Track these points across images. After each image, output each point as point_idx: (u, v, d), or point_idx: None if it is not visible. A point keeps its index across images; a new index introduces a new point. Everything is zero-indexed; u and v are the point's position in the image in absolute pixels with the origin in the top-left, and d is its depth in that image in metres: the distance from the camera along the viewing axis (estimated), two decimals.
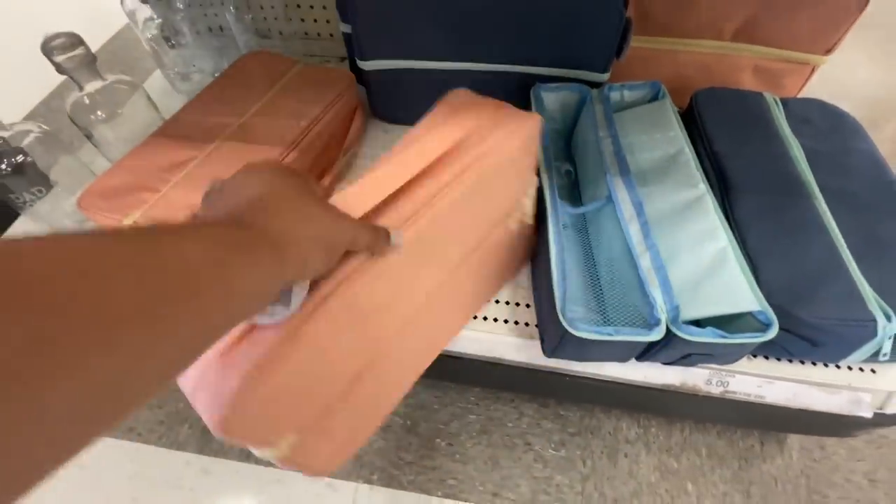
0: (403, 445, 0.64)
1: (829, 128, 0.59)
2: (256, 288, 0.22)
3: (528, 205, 0.50)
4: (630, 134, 0.56)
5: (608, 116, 0.57)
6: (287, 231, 0.24)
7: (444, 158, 0.38)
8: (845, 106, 0.62)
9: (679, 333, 0.41)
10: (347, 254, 0.31)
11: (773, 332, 0.41)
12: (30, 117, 1.15)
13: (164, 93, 0.80)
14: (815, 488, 0.61)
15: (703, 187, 0.50)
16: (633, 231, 0.47)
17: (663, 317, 0.42)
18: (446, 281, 0.42)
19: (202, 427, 0.67)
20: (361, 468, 0.63)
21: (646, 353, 0.46)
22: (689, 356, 0.46)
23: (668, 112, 0.58)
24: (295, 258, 0.25)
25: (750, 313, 0.43)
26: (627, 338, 0.42)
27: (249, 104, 0.61)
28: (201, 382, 0.29)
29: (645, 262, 0.45)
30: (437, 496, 0.60)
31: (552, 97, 0.62)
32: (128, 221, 0.52)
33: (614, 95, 0.61)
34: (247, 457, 0.65)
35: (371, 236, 0.31)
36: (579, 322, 0.42)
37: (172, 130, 0.60)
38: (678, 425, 0.65)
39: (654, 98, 0.61)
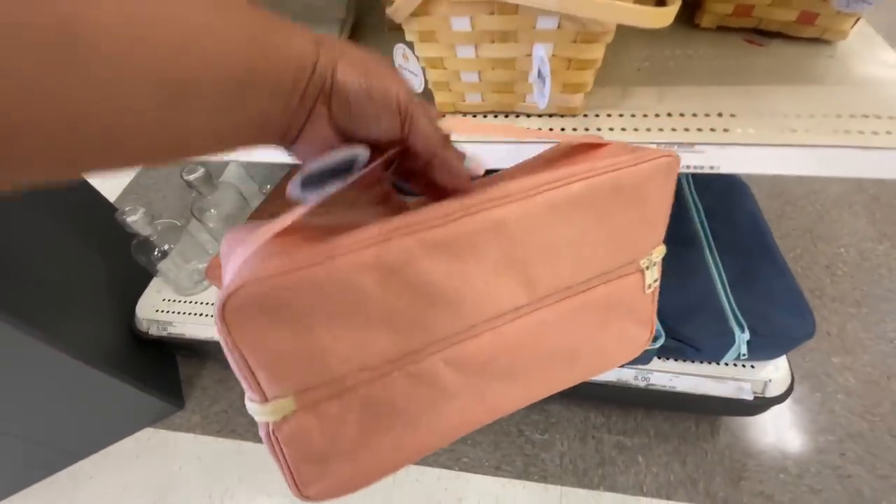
0: None
1: (722, 190, 0.82)
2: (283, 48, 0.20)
3: (654, 268, 0.38)
4: None
5: None
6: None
7: (563, 160, 0.33)
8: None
9: None
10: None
11: (660, 342, 0.64)
12: (126, 192, 1.46)
13: (241, 180, 1.08)
14: (736, 458, 0.82)
15: None
16: None
17: None
18: (524, 308, 0.30)
19: None
20: None
21: None
22: None
23: None
24: (330, 47, 0.22)
25: None
26: None
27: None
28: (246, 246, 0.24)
29: None
30: (455, 470, 0.83)
31: None
32: None
33: None
34: None
35: (424, 112, 0.24)
36: None
37: (264, 213, 0.86)
38: (633, 414, 0.87)
39: None
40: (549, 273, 0.30)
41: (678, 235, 0.76)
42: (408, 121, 0.24)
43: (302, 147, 0.23)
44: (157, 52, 0.16)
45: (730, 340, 0.65)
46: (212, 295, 0.91)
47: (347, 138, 0.24)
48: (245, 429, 0.93)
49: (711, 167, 0.48)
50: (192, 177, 0.80)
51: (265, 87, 0.20)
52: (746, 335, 0.65)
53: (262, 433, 0.27)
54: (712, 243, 0.74)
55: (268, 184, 1.06)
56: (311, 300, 0.23)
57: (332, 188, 0.23)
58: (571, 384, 0.38)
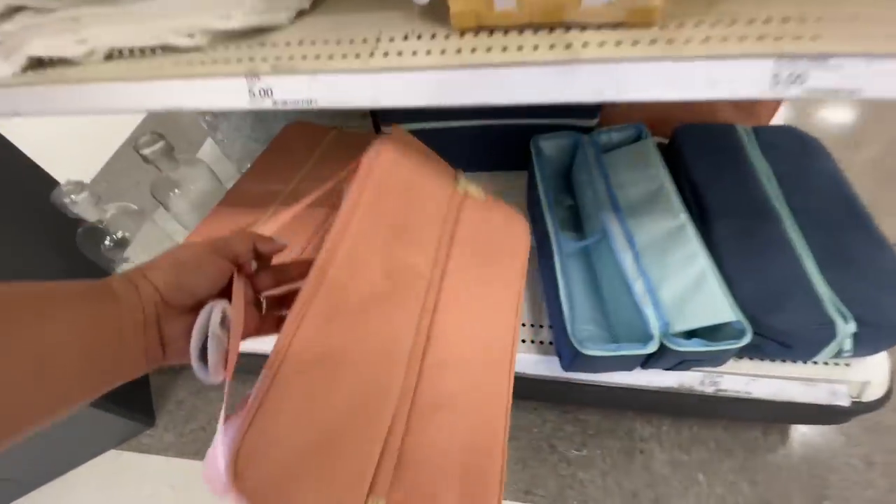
0: None
1: (795, 151, 0.67)
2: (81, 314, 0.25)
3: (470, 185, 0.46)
4: (618, 173, 0.66)
5: (598, 158, 0.67)
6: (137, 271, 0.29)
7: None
8: (818, 129, 0.71)
9: (669, 345, 0.50)
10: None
11: (746, 339, 0.50)
12: (98, 179, 1.31)
13: (217, 160, 0.93)
14: (816, 473, 0.68)
15: (683, 217, 0.59)
16: (627, 260, 0.56)
17: (656, 332, 0.51)
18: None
19: None
20: None
21: (647, 362, 0.55)
22: (683, 362, 0.55)
23: (651, 151, 0.67)
24: (140, 276, 0.28)
25: (729, 323, 0.52)
26: (628, 352, 0.51)
27: (295, 172, 0.73)
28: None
29: (639, 286, 0.54)
30: None
31: (549, 144, 0.72)
32: None
33: (602, 138, 0.71)
34: None
35: (230, 240, 0.32)
36: (588, 342, 0.51)
37: (234, 199, 0.72)
38: (687, 423, 0.73)
39: (639, 138, 0.71)
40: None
41: (748, 206, 0.61)
42: (231, 260, 0.32)
43: (174, 348, 0.30)
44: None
45: (829, 333, 0.51)
46: None
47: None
48: None
49: (851, 91, 0.33)
50: (148, 150, 0.66)
51: (117, 358, 0.27)
52: (852, 326, 0.50)
53: None
54: (794, 215, 0.60)
55: (247, 162, 0.91)
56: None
57: (222, 340, 0.29)
58: None
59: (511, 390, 0.39)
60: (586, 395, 0.67)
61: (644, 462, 0.70)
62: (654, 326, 0.51)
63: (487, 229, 0.45)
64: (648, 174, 0.64)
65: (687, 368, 0.56)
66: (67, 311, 0.24)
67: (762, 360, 0.58)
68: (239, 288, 0.30)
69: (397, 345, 0.35)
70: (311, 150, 0.76)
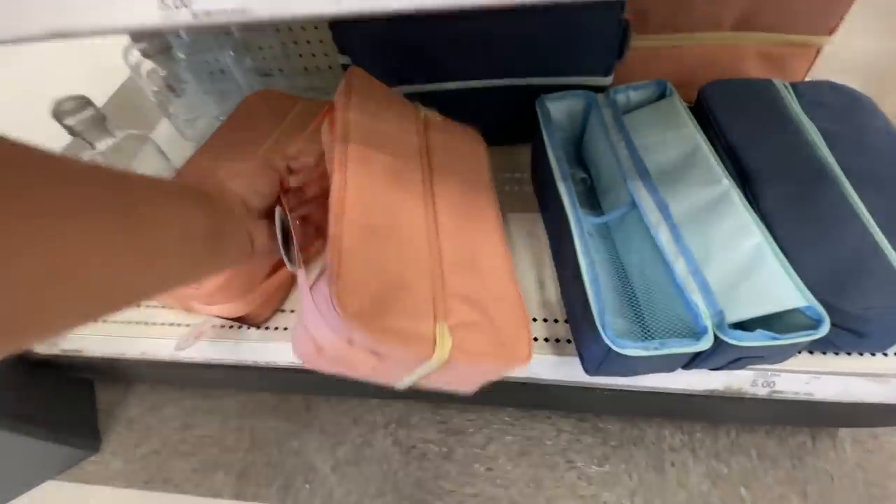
0: (442, 474, 0.63)
1: (843, 108, 0.58)
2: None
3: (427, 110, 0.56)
4: (642, 135, 0.55)
5: (618, 120, 0.56)
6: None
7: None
8: (852, 83, 0.61)
9: (728, 340, 0.40)
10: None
11: (825, 329, 0.40)
12: None
13: (172, 141, 0.81)
14: (873, 481, 0.58)
15: (726, 183, 0.48)
16: (663, 235, 0.46)
17: (709, 324, 0.41)
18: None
19: (237, 471, 0.67)
20: (402, 501, 0.61)
21: (692, 361, 0.44)
22: (739, 360, 0.44)
23: (679, 109, 0.57)
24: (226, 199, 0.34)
25: (797, 310, 0.41)
26: (675, 350, 0.40)
27: (257, 146, 0.61)
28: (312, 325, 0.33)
29: (680, 267, 0.44)
30: None
31: (558, 106, 0.61)
32: None
33: (620, 98, 0.61)
34: (282, 499, 0.64)
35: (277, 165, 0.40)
36: (622, 339, 0.41)
37: (185, 178, 0.60)
38: (724, 428, 0.63)
39: (661, 97, 0.61)
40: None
41: (799, 169, 0.51)
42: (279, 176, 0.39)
43: (258, 243, 0.36)
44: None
45: None
46: None
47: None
48: (184, 476, 0.67)
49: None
50: (73, 119, 0.54)
51: (236, 240, 0.34)
52: None
53: None
54: (849, 179, 0.50)
55: None
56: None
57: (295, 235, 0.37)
58: None
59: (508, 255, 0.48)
60: (608, 402, 0.57)
61: (677, 476, 0.60)
62: (706, 316, 0.41)
63: (451, 139, 0.54)
64: (679, 135, 0.54)
65: (741, 367, 0.46)
66: (195, 198, 0.30)
67: (824, 353, 0.48)
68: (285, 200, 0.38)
69: (417, 221, 0.42)
70: (276, 122, 0.64)
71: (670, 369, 0.46)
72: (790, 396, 0.49)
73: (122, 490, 0.67)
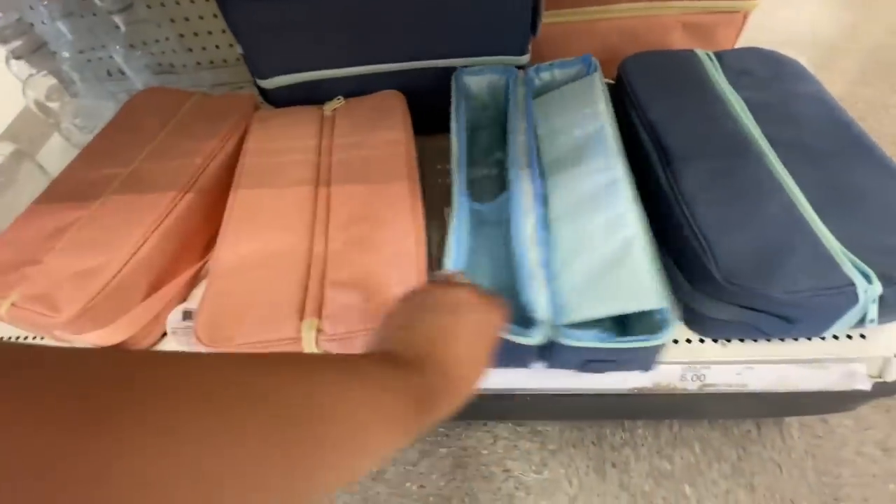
0: (371, 497, 0.58)
1: (770, 76, 0.54)
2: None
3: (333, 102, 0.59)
4: (553, 116, 0.51)
5: (526, 100, 0.52)
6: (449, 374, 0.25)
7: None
8: (792, 51, 0.58)
9: (559, 338, 0.37)
10: None
11: (664, 336, 0.36)
12: None
13: (65, 153, 0.73)
14: (824, 469, 0.55)
15: (619, 170, 0.44)
16: (526, 225, 0.42)
17: (544, 318, 0.37)
18: None
19: None
20: None
21: (545, 358, 0.41)
22: (591, 362, 0.40)
23: (595, 87, 0.52)
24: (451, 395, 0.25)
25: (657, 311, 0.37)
26: (510, 338, 0.37)
27: (139, 149, 0.55)
28: None
29: (532, 258, 0.41)
30: None
31: (477, 81, 0.57)
32: (6, 304, 0.46)
33: (544, 76, 0.56)
34: None
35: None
36: None
37: (55, 193, 0.53)
38: (666, 422, 0.59)
39: (587, 73, 0.56)
40: None
41: (721, 144, 0.47)
42: None
43: None
44: None
45: (848, 299, 0.37)
46: None
47: None
48: None
49: None
50: None
51: None
52: (877, 287, 0.37)
53: None
54: (776, 151, 0.47)
55: None
56: None
57: None
58: None
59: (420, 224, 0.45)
60: (538, 407, 0.53)
61: (619, 478, 0.56)
62: (543, 310, 0.37)
63: (359, 119, 0.56)
64: (586, 115, 0.49)
65: (599, 371, 0.41)
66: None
67: (756, 341, 0.45)
68: None
69: (299, 231, 0.46)
70: (164, 120, 0.58)
71: (522, 364, 0.42)
72: (723, 389, 0.45)
73: None
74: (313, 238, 0.45)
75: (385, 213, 0.46)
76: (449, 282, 0.33)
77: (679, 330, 0.45)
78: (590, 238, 0.41)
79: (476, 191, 0.54)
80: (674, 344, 0.45)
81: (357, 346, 0.41)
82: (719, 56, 0.56)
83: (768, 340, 0.44)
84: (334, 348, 0.40)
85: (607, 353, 0.37)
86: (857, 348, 0.44)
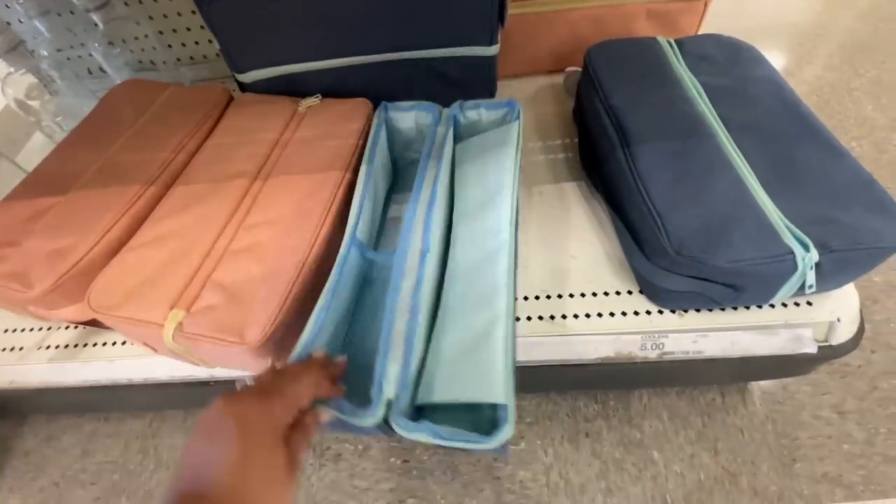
0: (357, 472, 0.60)
1: (726, 60, 0.57)
2: None
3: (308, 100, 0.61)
4: (467, 163, 0.51)
5: (444, 145, 0.52)
6: None
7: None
8: (762, 37, 0.60)
9: (392, 424, 0.33)
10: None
11: (496, 441, 0.31)
12: None
13: (47, 151, 0.74)
14: (783, 432, 0.59)
15: (504, 236, 0.43)
16: (405, 287, 0.40)
17: (389, 396, 0.35)
18: None
19: (141, 496, 0.63)
20: None
21: (387, 434, 0.36)
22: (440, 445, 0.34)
23: (509, 139, 0.50)
24: None
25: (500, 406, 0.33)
26: (348, 418, 0.34)
27: (115, 138, 0.56)
28: None
29: (398, 327, 0.38)
30: None
31: (404, 118, 0.56)
32: None
33: (470, 114, 0.55)
34: None
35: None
36: None
37: (36, 181, 0.54)
38: (636, 394, 0.62)
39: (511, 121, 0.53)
40: None
41: (676, 126, 0.50)
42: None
43: None
44: None
45: (788, 267, 0.40)
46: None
47: None
48: None
49: None
50: None
51: None
52: (814, 255, 0.40)
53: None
54: (728, 131, 0.49)
55: None
56: None
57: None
58: None
59: (320, 240, 0.45)
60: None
61: (592, 447, 0.59)
62: (391, 386, 0.35)
63: (327, 111, 0.59)
64: (493, 170, 0.48)
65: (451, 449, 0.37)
66: None
67: (710, 310, 0.47)
68: None
69: (212, 228, 0.47)
70: (139, 112, 0.59)
71: (363, 433, 0.40)
72: (681, 357, 0.48)
73: None
74: (222, 233, 0.46)
75: (297, 219, 0.46)
76: (286, 370, 0.33)
77: (638, 301, 0.48)
78: (465, 310, 0.40)
79: (390, 232, 0.54)
80: (634, 315, 0.48)
81: (203, 352, 0.43)
82: (680, 43, 0.59)
83: (722, 309, 0.47)
84: (189, 346, 0.41)
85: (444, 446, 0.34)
86: (804, 314, 0.47)
